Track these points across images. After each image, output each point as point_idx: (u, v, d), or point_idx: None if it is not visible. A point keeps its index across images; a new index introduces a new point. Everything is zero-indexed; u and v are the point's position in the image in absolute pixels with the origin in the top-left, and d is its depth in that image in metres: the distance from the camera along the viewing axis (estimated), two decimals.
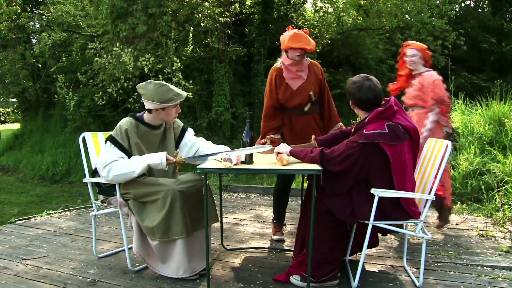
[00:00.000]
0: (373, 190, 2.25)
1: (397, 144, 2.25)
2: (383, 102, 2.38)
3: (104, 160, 2.57)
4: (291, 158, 2.46)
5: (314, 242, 2.33)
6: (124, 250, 2.93)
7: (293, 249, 3.12)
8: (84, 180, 2.89)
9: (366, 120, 2.33)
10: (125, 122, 2.67)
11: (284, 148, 2.48)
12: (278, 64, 3.17)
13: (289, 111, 3.16)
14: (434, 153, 2.51)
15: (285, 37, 3.03)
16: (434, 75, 3.32)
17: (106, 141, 2.66)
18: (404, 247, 2.80)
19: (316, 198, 2.34)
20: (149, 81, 2.67)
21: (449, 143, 2.39)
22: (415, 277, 2.55)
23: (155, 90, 2.58)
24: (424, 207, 2.40)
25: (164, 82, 2.64)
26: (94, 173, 2.85)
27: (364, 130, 2.28)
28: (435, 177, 2.39)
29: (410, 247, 3.18)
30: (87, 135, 3.01)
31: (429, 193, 2.36)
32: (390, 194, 2.26)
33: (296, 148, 2.50)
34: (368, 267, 2.76)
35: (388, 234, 3.46)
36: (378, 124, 2.28)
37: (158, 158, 2.57)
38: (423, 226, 2.41)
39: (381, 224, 2.34)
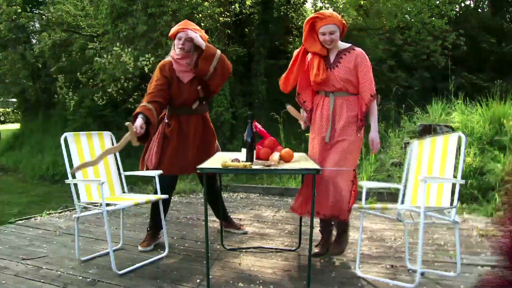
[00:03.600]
0: (420, 177, 2.34)
1: None
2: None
3: None
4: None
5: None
6: (116, 252, 2.91)
7: (293, 249, 3.13)
8: (67, 181, 2.83)
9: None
10: None
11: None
12: (168, 58, 3.12)
13: (176, 111, 3.10)
14: (438, 148, 2.56)
15: (175, 26, 3.06)
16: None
17: None
18: (405, 244, 2.80)
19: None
20: None
21: (461, 133, 2.43)
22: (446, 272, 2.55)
23: None
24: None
25: None
26: None
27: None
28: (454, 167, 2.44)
29: (409, 246, 3.17)
30: (69, 135, 2.94)
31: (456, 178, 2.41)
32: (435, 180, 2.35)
33: None
34: (368, 267, 2.77)
35: (388, 234, 3.46)
36: None
37: None
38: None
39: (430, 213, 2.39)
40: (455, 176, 2.43)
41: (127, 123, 2.66)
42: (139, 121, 2.76)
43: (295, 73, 2.85)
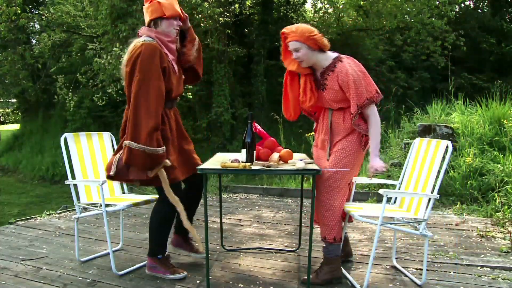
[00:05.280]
0: (381, 191, 2.29)
1: None
2: None
3: None
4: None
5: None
6: (116, 252, 2.91)
7: (293, 249, 3.13)
8: (66, 182, 2.81)
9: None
10: None
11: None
12: (150, 40, 2.40)
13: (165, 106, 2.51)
14: (430, 152, 2.51)
15: (169, 1, 2.42)
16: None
17: None
18: (393, 246, 2.80)
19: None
20: None
21: (449, 142, 2.37)
22: (416, 277, 2.55)
23: None
24: (427, 206, 2.38)
25: None
26: None
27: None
28: (437, 176, 2.37)
29: (409, 247, 3.18)
30: (69, 136, 2.92)
31: (432, 192, 2.35)
32: (396, 194, 2.26)
33: None
34: (368, 268, 2.76)
35: (388, 235, 3.46)
36: None
37: None
38: (425, 225, 2.41)
39: (389, 225, 2.33)
40: (435, 186, 2.34)
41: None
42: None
43: (291, 96, 2.59)
